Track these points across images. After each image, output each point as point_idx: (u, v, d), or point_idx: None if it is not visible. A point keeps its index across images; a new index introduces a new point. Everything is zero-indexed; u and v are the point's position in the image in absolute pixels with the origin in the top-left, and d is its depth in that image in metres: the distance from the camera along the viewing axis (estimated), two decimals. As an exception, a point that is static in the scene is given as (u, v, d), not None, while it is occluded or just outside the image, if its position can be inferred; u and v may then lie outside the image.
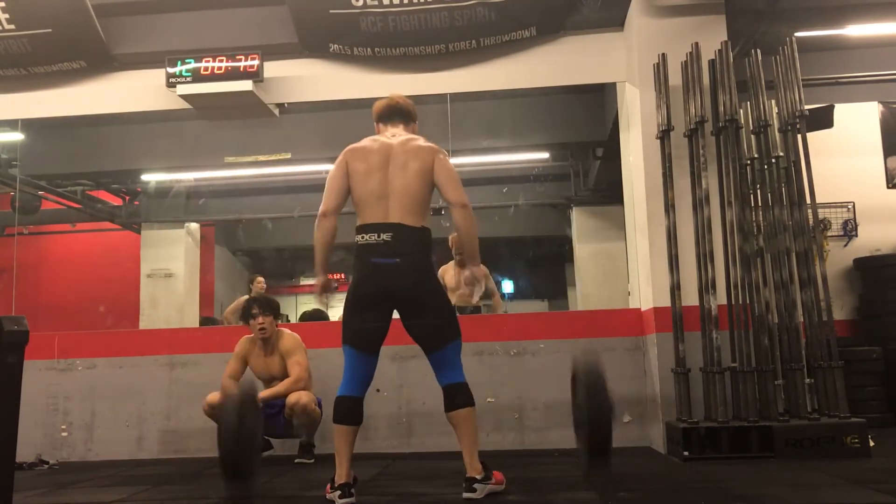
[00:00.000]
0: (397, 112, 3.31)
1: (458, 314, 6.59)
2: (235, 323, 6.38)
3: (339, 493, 2.94)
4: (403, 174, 3.07)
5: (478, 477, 2.98)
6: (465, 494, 2.95)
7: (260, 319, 4.46)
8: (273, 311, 4.57)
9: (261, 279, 7.59)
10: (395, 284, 3.02)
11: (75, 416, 5.01)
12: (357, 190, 3.11)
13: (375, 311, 3.05)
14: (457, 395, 3.04)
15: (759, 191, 4.30)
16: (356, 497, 2.97)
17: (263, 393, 4.32)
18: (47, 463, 4.70)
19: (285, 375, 4.45)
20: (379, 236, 3.02)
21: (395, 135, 3.23)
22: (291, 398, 4.32)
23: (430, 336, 3.10)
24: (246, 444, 2.99)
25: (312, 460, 4.40)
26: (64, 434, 5.00)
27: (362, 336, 3.06)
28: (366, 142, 3.21)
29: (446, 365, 3.09)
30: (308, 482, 3.75)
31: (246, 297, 6.67)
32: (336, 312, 4.29)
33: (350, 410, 3.03)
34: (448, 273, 6.06)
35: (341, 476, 2.98)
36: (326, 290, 3.29)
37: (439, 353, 3.09)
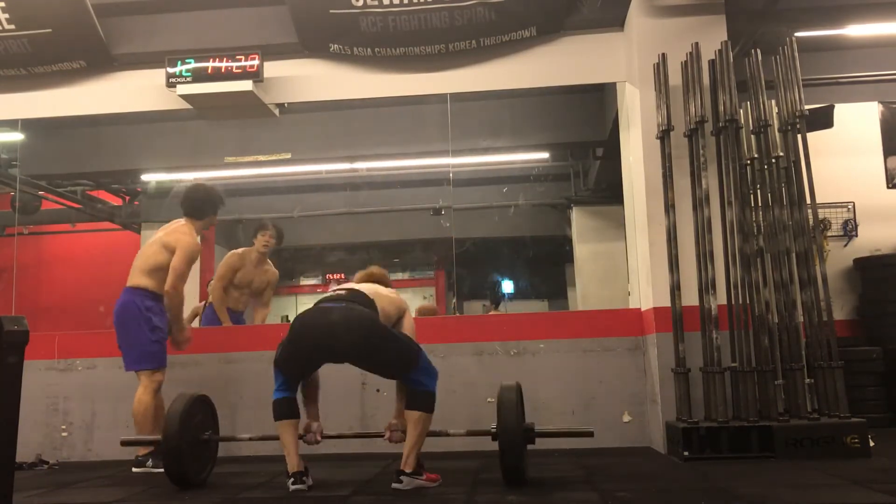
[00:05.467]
0: None
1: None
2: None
3: (291, 479, 3.19)
4: None
5: (407, 471, 3.19)
6: (393, 485, 3.18)
7: (269, 237, 5.60)
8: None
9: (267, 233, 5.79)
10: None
11: (75, 416, 5.01)
12: None
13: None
14: (419, 399, 3.25)
15: (759, 191, 4.30)
16: (362, 496, 3.02)
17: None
18: (47, 463, 4.70)
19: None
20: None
21: None
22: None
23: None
24: (186, 437, 3.39)
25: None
26: (64, 434, 4.99)
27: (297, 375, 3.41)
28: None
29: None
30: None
31: (202, 302, 6.50)
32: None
33: (289, 407, 3.30)
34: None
35: (293, 466, 3.22)
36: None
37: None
